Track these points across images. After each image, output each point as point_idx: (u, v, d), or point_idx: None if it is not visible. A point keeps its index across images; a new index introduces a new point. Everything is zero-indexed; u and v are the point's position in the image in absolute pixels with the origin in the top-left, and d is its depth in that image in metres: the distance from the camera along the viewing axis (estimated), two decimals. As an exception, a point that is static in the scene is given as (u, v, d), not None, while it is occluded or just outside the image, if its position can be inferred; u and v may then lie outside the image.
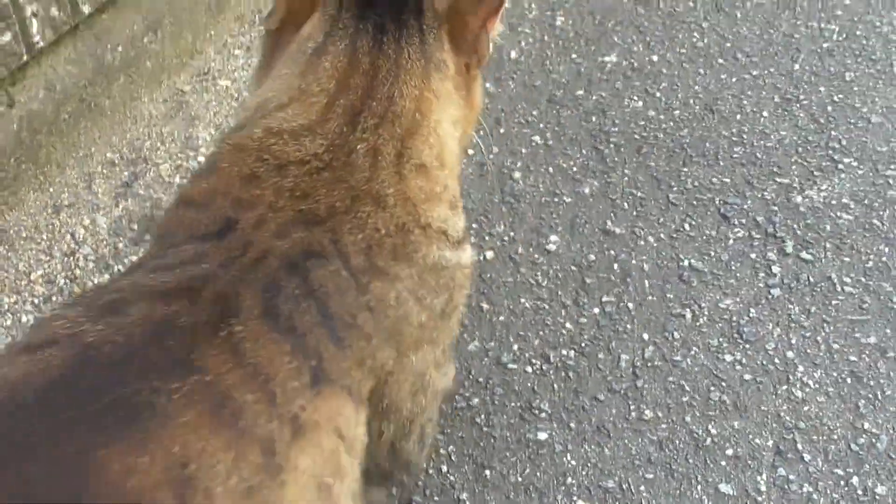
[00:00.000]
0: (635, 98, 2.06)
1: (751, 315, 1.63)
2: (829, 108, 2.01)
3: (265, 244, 0.88)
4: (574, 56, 2.16)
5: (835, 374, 1.54)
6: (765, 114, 2.01)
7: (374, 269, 0.90)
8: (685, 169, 1.91)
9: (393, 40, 0.98)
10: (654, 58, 2.15)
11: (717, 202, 1.83)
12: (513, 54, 2.16)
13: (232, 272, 0.85)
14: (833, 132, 1.96)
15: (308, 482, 0.79)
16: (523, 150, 1.95)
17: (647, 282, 1.68)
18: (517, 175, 1.90)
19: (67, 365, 0.77)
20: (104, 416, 0.73)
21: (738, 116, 2.01)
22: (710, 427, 1.47)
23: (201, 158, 1.93)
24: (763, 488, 1.40)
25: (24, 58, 1.74)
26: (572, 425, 1.48)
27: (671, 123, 2.00)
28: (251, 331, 0.82)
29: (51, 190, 1.85)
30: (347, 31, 0.99)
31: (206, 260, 0.86)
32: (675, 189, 1.87)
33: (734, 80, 2.10)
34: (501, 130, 1.98)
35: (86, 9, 1.83)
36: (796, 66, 2.12)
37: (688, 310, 1.63)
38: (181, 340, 0.79)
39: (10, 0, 1.67)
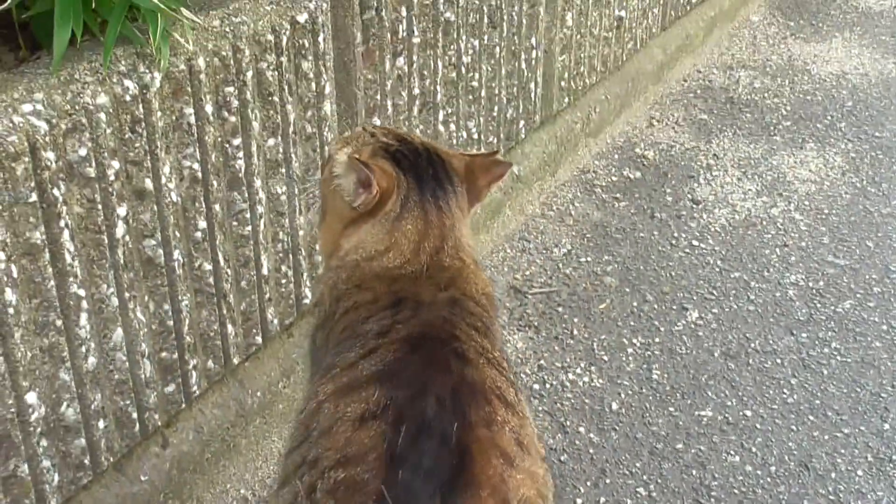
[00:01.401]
0: (732, 452, 2.19)
1: None
2: (920, 469, 2.12)
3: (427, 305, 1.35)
4: (671, 409, 2.31)
5: None
6: (859, 472, 2.12)
7: (487, 305, 1.42)
8: (785, 525, 2.01)
9: (445, 202, 1.48)
10: (748, 413, 2.29)
11: (819, 561, 1.90)
12: (614, 406, 2.32)
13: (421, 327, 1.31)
14: (926, 493, 2.06)
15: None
16: (629, 502, 2.06)
17: None
18: (625, 527, 2.01)
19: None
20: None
21: (833, 475, 2.12)
22: None
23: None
24: None
25: (182, 405, 1.94)
26: None
27: (768, 479, 2.12)
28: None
29: (190, 525, 1.99)
30: (416, 204, 1.46)
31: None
32: (777, 545, 1.96)
33: (826, 437, 2.22)
34: (607, 481, 2.11)
35: (235, 360, 2.05)
36: (886, 426, 2.25)
37: None
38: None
39: (178, 356, 1.89)
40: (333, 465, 1.17)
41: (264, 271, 2.03)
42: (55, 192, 1.56)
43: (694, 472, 2.14)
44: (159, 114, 1.71)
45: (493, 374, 1.27)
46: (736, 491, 2.09)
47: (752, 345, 2.50)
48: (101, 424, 1.76)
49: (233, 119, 1.85)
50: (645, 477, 2.13)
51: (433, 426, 1.16)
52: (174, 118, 1.74)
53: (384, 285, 1.41)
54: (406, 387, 1.20)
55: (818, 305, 2.63)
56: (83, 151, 1.59)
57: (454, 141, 2.58)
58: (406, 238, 1.46)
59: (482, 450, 1.16)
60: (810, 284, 2.71)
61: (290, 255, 2.10)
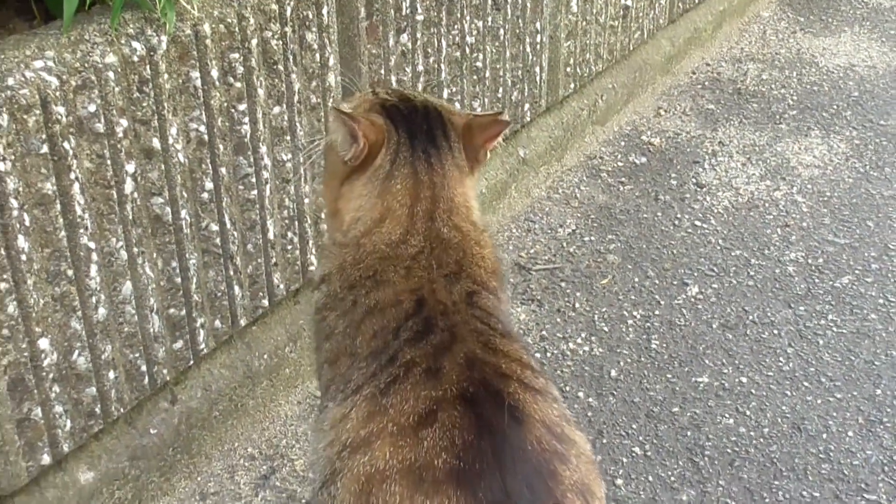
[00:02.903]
0: (727, 416, 2.23)
1: None
2: (911, 431, 2.15)
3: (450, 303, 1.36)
4: (669, 376, 2.35)
5: None
6: (850, 434, 2.16)
7: (497, 288, 1.42)
8: (776, 482, 2.05)
9: (438, 159, 1.47)
10: (744, 379, 2.33)
11: (808, 514, 1.94)
12: (612, 373, 2.36)
13: (448, 330, 1.32)
14: (916, 453, 2.09)
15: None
16: (624, 460, 2.11)
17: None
18: (619, 482, 2.05)
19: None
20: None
21: (825, 435, 2.16)
22: None
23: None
24: None
25: (191, 362, 2.01)
26: None
27: (761, 440, 2.16)
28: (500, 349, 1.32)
29: (199, 479, 2.06)
30: (407, 159, 1.45)
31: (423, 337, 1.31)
32: (767, 500, 1.99)
33: (819, 401, 2.26)
34: (604, 441, 2.16)
35: (242, 321, 2.12)
36: (878, 391, 2.28)
37: None
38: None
39: (186, 313, 1.96)
40: None
41: (270, 236, 2.10)
42: (65, 145, 1.64)
43: (689, 433, 2.18)
44: (166, 76, 1.78)
45: (546, 413, 1.27)
46: (729, 451, 2.14)
47: (751, 317, 2.54)
48: (111, 375, 1.83)
49: (238, 85, 1.93)
50: (641, 438, 2.18)
51: None
52: (181, 81, 1.82)
53: (398, 276, 1.39)
54: (487, 495, 1.17)
55: (816, 280, 2.67)
56: (92, 108, 1.67)
57: (459, 120, 2.64)
58: (398, 202, 1.44)
59: None
60: (810, 261, 2.75)
61: (296, 223, 2.16)
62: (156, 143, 1.80)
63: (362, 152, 1.46)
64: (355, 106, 1.55)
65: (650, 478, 2.07)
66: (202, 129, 1.88)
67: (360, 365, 1.35)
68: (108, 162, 1.72)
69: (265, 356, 2.20)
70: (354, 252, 1.44)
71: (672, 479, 2.07)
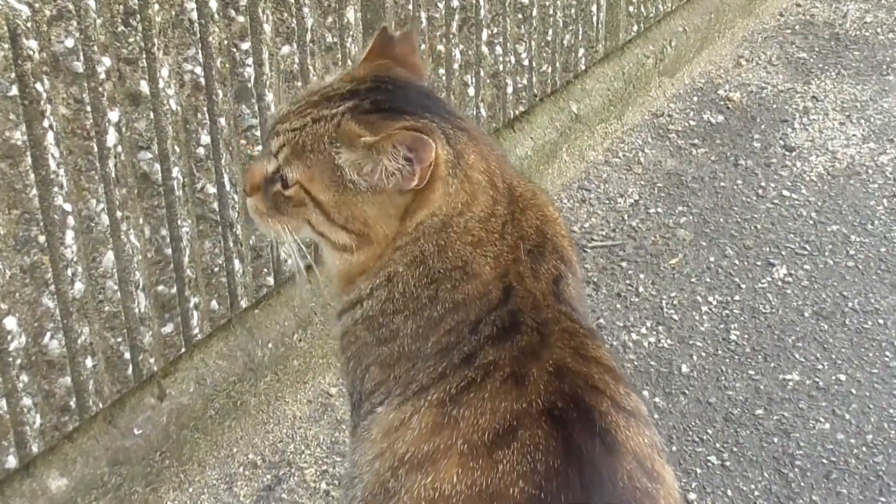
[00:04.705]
0: (821, 419, 2.24)
1: None
2: None
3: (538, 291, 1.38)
4: (751, 373, 2.36)
5: None
6: (971, 442, 2.16)
7: (574, 258, 1.48)
8: (882, 499, 2.05)
9: (454, 122, 1.44)
10: (842, 377, 2.34)
11: (920, 537, 1.95)
12: (683, 368, 2.37)
13: (539, 317, 1.34)
14: None
15: None
16: (698, 471, 2.13)
17: None
18: (692, 496, 2.06)
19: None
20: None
21: (941, 444, 2.17)
22: None
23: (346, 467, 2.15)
24: None
25: (182, 349, 2.03)
26: None
27: (863, 448, 2.16)
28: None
29: (190, 490, 2.08)
30: (451, 134, 1.42)
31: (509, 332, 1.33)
32: (871, 520, 2.00)
33: (934, 404, 2.27)
34: (674, 449, 2.17)
35: (243, 303, 2.14)
36: None
37: None
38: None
39: (177, 291, 1.98)
40: None
41: (276, 201, 2.12)
42: (38, 86, 1.66)
43: (776, 439, 2.19)
44: (157, 7, 1.80)
45: (637, 442, 1.28)
46: (825, 461, 2.14)
47: (850, 304, 2.55)
48: (88, 363, 1.86)
49: (241, 19, 1.94)
50: (718, 445, 2.19)
51: None
52: (174, 13, 1.84)
53: (486, 260, 1.38)
54: None
55: (931, 261, 2.68)
56: (70, 42, 1.69)
57: (500, 67, 2.65)
58: (477, 177, 1.42)
59: None
60: (922, 238, 2.76)
61: (307, 186, 2.18)
62: (143, 86, 1.82)
63: (431, 162, 1.35)
64: (330, 133, 1.41)
65: (728, 492, 2.08)
66: (198, 71, 1.90)
67: (426, 364, 1.35)
68: (88, 108, 1.74)
69: (269, 345, 2.22)
70: (436, 240, 1.39)
71: (755, 493, 2.08)
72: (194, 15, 1.86)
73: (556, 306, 1.38)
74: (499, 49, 2.64)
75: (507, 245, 1.40)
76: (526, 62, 2.75)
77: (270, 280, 2.18)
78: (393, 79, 1.46)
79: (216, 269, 2.05)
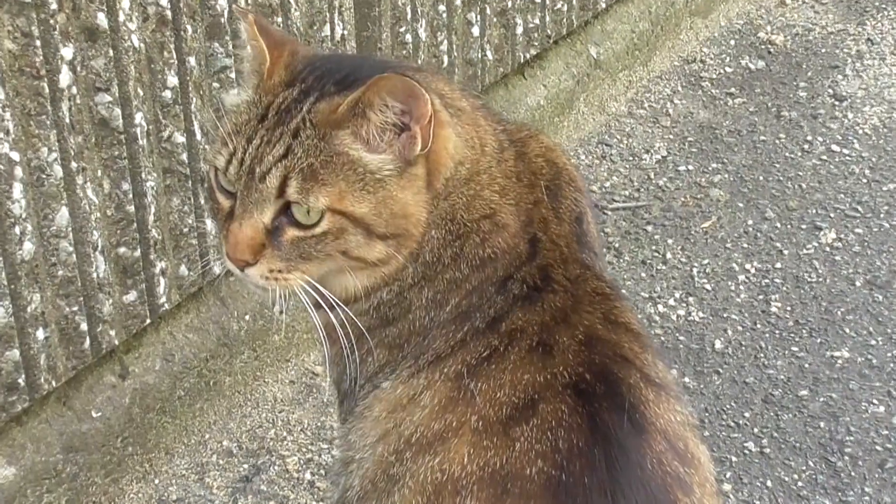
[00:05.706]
0: (875, 402, 2.22)
1: None
2: None
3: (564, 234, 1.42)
4: (795, 349, 2.35)
5: None
6: None
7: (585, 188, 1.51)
8: (943, 491, 2.04)
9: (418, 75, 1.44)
10: (898, 354, 2.33)
11: None
12: (717, 345, 2.36)
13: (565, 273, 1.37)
14: None
15: None
16: (734, 459, 2.11)
17: None
18: (726, 487, 2.05)
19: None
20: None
21: None
22: None
23: (336, 452, 2.14)
24: None
25: (147, 321, 2.02)
26: None
27: (922, 434, 2.15)
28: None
29: (156, 481, 2.07)
30: (436, 88, 1.44)
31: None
32: (930, 515, 1.99)
33: None
34: (706, 434, 2.15)
35: (216, 269, 2.12)
36: None
37: None
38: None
39: (141, 254, 1.96)
40: None
41: (254, 153, 2.10)
42: (-20, 17, 1.64)
43: (822, 424, 2.18)
44: (115, -73, 1.78)
45: (668, 420, 1.29)
46: (878, 447, 2.13)
47: (908, 272, 2.54)
48: (39, 334, 1.84)
49: (211, -57, 1.92)
50: (756, 430, 2.18)
51: None
52: (134, -65, 1.82)
53: (508, 202, 1.41)
54: None
55: None
56: (16, -33, 1.67)
57: (509, 3, 2.63)
58: (476, 119, 1.46)
59: None
60: None
61: (289, 136, 2.16)
62: (101, 19, 1.80)
63: (430, 118, 1.35)
64: (322, 119, 1.38)
65: (768, 482, 2.07)
66: (164, 2, 1.88)
67: (443, 331, 1.35)
68: (38, 43, 1.72)
69: (247, 317, 2.21)
70: (465, 192, 1.40)
71: (799, 484, 2.07)
72: (159, -63, 1.84)
73: (581, 257, 1.40)
74: (508, -17, 2.62)
75: (525, 185, 1.43)
76: (539, -2, 2.73)
77: (247, 243, 2.16)
78: (325, 58, 1.47)
79: (185, 230, 2.03)
